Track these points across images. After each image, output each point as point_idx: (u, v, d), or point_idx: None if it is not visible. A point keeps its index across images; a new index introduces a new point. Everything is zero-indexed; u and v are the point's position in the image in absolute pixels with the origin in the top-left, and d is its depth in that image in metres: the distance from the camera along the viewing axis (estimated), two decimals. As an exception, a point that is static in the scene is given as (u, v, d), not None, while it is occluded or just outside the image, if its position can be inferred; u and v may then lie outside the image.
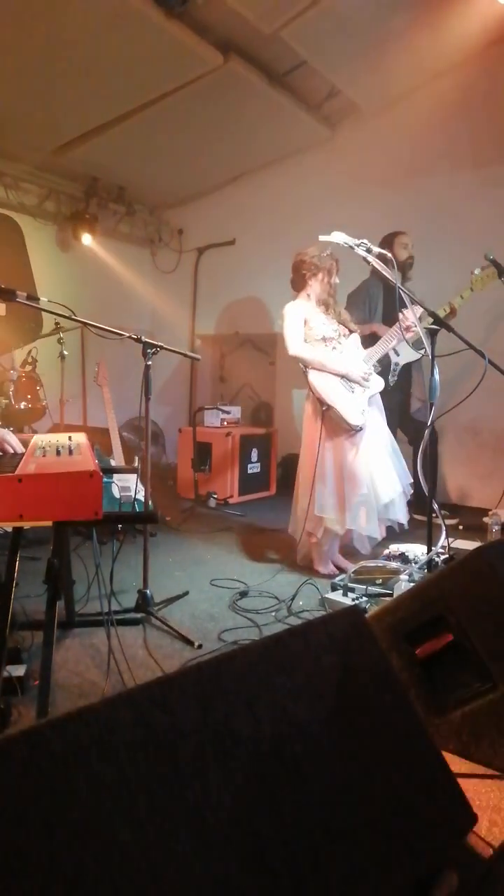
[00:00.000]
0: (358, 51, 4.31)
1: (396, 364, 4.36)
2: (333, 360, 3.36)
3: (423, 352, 4.18)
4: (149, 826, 0.79)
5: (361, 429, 3.28)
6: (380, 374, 4.36)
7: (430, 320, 2.66)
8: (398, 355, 4.35)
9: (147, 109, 4.77)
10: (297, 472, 3.49)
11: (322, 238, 2.69)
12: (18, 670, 2.02)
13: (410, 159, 5.05)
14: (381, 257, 2.65)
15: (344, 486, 3.23)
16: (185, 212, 6.80)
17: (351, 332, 3.52)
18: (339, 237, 2.66)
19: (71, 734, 0.81)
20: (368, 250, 2.63)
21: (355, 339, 3.52)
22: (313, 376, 3.33)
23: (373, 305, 4.34)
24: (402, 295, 2.66)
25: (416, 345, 4.18)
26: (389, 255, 2.64)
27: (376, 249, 2.64)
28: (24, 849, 0.72)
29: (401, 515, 3.37)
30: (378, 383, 3.50)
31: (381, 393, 4.41)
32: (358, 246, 2.63)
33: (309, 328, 3.40)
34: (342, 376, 3.35)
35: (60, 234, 6.08)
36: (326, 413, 3.26)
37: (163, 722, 0.87)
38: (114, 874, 0.75)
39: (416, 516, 4.60)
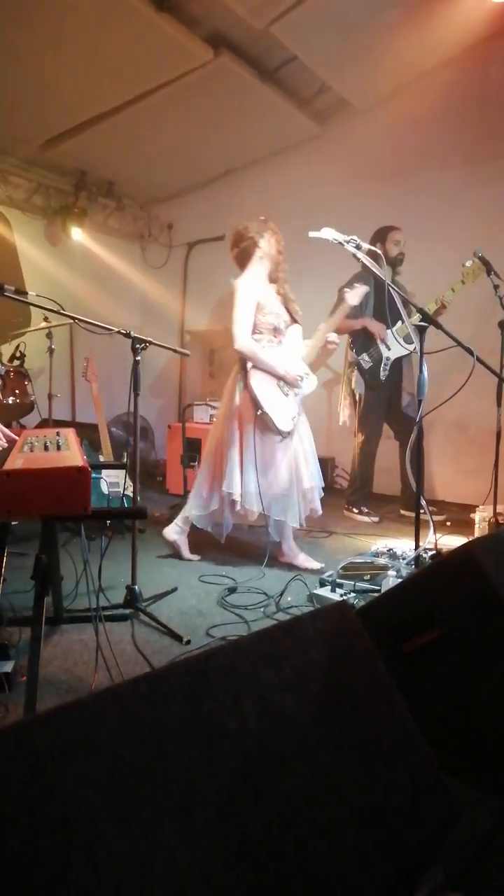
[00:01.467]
0: (348, 47, 4.30)
1: (387, 358, 4.40)
2: (276, 360, 3.22)
3: (412, 347, 4.20)
4: (135, 821, 0.79)
5: (289, 434, 3.23)
6: (371, 368, 4.40)
7: (419, 317, 2.67)
8: (389, 350, 4.38)
9: (137, 104, 4.74)
10: (211, 453, 3.39)
11: (312, 234, 2.69)
12: (6, 666, 2.01)
13: (400, 156, 5.06)
14: (370, 254, 2.65)
15: (262, 481, 3.18)
16: (174, 207, 6.77)
17: (294, 321, 3.35)
18: (328, 233, 2.66)
19: (57, 729, 0.81)
20: (358, 247, 2.63)
21: (297, 330, 3.37)
22: (254, 376, 3.19)
23: (364, 300, 4.35)
24: (392, 292, 2.67)
25: (406, 339, 4.22)
26: (379, 251, 2.65)
27: (366, 246, 2.64)
28: (8, 845, 0.72)
29: (317, 505, 3.39)
30: (311, 384, 3.36)
31: (373, 386, 4.45)
32: (347, 242, 2.63)
33: (262, 315, 3.21)
34: (280, 378, 3.24)
35: (49, 228, 6.03)
36: (259, 415, 3.16)
37: (149, 717, 0.87)
38: (100, 869, 0.75)
39: (403, 512, 4.64)
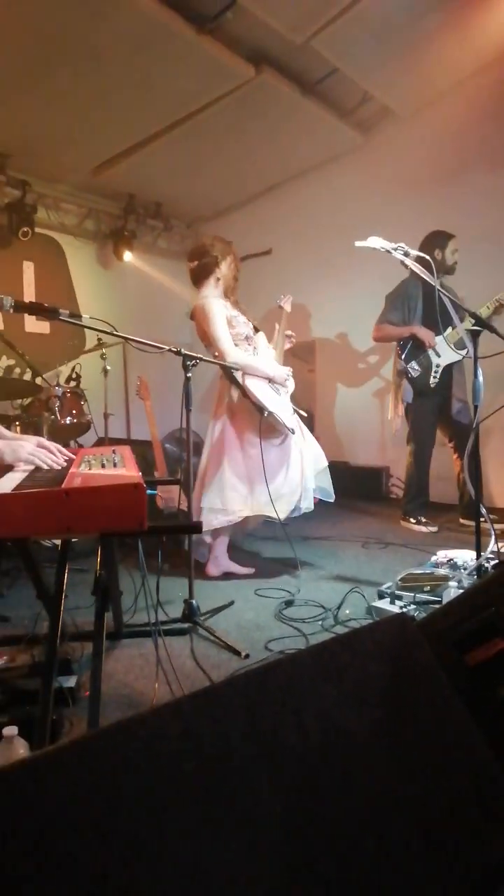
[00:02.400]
0: (389, 55, 4.29)
1: (437, 365, 4.31)
2: (260, 363, 3.33)
3: (464, 352, 4.12)
4: (200, 836, 0.80)
5: (293, 432, 3.31)
6: (420, 375, 4.32)
7: (472, 321, 2.62)
8: (439, 356, 4.30)
9: (181, 125, 4.85)
10: (207, 468, 3.45)
11: (358, 244, 2.68)
12: (69, 681, 2.05)
13: (446, 160, 5.00)
14: (419, 260, 2.62)
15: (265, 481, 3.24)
16: (221, 224, 6.86)
17: (256, 328, 3.46)
18: (375, 242, 2.64)
19: (121, 744, 0.82)
20: (406, 254, 2.60)
21: (262, 336, 3.49)
22: (251, 382, 3.26)
23: (412, 306, 4.30)
24: (443, 297, 2.63)
25: (458, 345, 4.13)
26: (427, 257, 2.61)
27: (414, 252, 2.61)
28: (76, 858, 0.73)
29: (308, 502, 3.44)
30: (291, 383, 3.49)
31: (423, 394, 4.38)
32: (395, 250, 2.61)
33: (231, 327, 3.29)
34: (269, 379, 3.34)
35: (100, 251, 6.21)
36: (265, 419, 3.21)
37: (211, 731, 0.87)
38: (166, 884, 0.75)
39: (463, 521, 4.53)
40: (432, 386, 4.31)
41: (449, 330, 4.19)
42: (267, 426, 3.25)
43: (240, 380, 3.28)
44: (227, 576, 3.40)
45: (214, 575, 3.38)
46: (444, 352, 4.26)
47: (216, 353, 3.25)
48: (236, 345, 3.30)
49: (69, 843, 0.73)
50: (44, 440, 1.95)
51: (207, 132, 4.95)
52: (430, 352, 4.28)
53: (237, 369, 3.24)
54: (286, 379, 3.43)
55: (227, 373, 3.32)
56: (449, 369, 4.35)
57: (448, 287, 4.38)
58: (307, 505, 3.41)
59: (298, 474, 3.38)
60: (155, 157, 5.24)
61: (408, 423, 4.50)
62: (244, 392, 3.27)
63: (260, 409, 3.22)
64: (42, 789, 0.75)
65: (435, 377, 4.30)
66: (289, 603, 2.98)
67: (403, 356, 4.38)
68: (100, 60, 4.02)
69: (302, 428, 3.52)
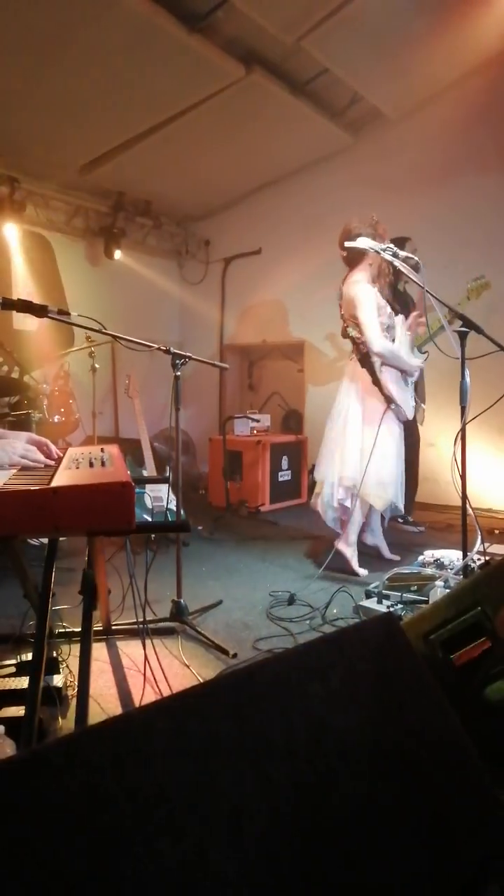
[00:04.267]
0: (379, 57, 4.31)
1: None
2: (402, 355, 3.35)
3: (426, 355, 4.26)
4: (187, 834, 0.80)
5: (414, 419, 3.46)
6: None
7: (460, 322, 2.63)
8: None
9: (171, 124, 4.84)
10: (340, 447, 3.45)
11: (348, 244, 2.70)
12: (57, 680, 2.05)
13: (435, 163, 5.03)
14: (406, 261, 2.64)
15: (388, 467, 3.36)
16: (211, 223, 6.86)
17: (396, 311, 3.49)
18: (364, 242, 2.66)
19: (108, 742, 0.82)
20: (395, 255, 2.62)
21: (401, 320, 3.45)
22: (386, 374, 3.35)
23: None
24: (430, 296, 2.64)
25: (421, 348, 4.27)
26: (416, 258, 2.63)
27: (403, 253, 2.63)
28: (63, 857, 0.73)
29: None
30: (418, 371, 3.53)
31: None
32: (384, 251, 2.62)
33: (380, 317, 3.34)
34: (405, 371, 3.40)
35: (90, 249, 6.18)
36: (390, 408, 3.34)
37: (199, 730, 0.88)
38: (152, 883, 0.75)
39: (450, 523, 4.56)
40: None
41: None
42: (388, 416, 3.36)
43: (377, 368, 3.36)
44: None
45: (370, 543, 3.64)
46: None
47: (361, 338, 3.34)
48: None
49: (57, 842, 0.73)
50: (34, 436, 1.94)
51: (197, 131, 4.95)
52: None
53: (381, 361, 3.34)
54: (416, 371, 3.46)
55: (367, 359, 3.38)
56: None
57: (409, 294, 4.46)
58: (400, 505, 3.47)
59: (398, 470, 3.44)
60: (145, 155, 5.23)
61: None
62: (375, 380, 3.36)
63: (388, 399, 3.33)
64: (29, 788, 0.75)
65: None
66: (278, 602, 2.98)
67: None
68: (90, 58, 4.01)
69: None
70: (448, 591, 2.49)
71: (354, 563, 3.42)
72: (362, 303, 3.30)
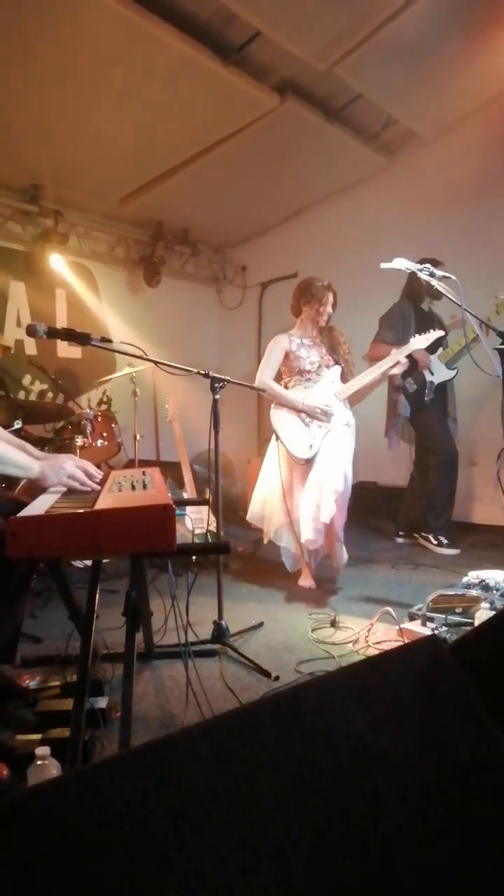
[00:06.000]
0: (413, 79, 4.34)
1: (431, 382, 4.42)
2: (295, 396, 3.59)
3: (455, 371, 4.41)
4: (231, 858, 0.79)
5: (307, 461, 3.47)
6: (415, 392, 4.40)
7: (500, 340, 2.61)
8: (433, 374, 4.41)
9: (208, 153, 4.95)
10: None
11: (384, 266, 2.70)
12: (101, 702, 2.06)
13: (470, 183, 5.01)
14: (443, 280, 2.63)
15: (288, 505, 3.56)
16: (247, 249, 6.96)
17: (335, 363, 3.68)
18: (401, 263, 2.66)
19: (151, 764, 0.83)
20: (432, 274, 2.61)
21: (335, 371, 3.67)
22: (273, 410, 3.68)
23: (406, 326, 4.38)
24: (469, 315, 2.62)
25: (450, 364, 4.31)
26: (453, 277, 2.62)
27: (439, 273, 2.62)
28: (106, 879, 0.73)
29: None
30: (342, 416, 3.60)
31: (421, 409, 4.49)
32: (421, 271, 2.62)
33: (288, 360, 3.67)
34: (300, 411, 3.57)
35: (130, 278, 6.34)
36: (279, 443, 3.60)
37: (241, 753, 0.87)
38: (197, 907, 0.75)
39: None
40: (427, 402, 4.41)
41: (440, 350, 4.39)
42: (284, 451, 3.58)
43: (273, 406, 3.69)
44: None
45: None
46: (437, 370, 4.41)
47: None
48: (289, 376, 3.71)
49: (99, 864, 0.74)
50: (75, 458, 1.98)
51: (234, 159, 5.05)
52: (425, 371, 4.40)
53: (262, 391, 3.69)
54: (323, 413, 3.54)
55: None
56: (443, 386, 4.44)
57: (436, 313, 4.47)
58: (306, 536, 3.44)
59: (307, 503, 3.45)
60: (183, 185, 5.35)
61: (414, 440, 4.62)
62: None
63: (276, 435, 3.63)
64: (73, 809, 0.76)
65: (430, 394, 4.41)
66: (320, 624, 2.96)
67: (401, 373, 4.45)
68: (130, 93, 4.15)
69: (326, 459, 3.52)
70: (494, 612, 2.43)
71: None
72: (267, 349, 3.74)
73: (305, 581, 3.63)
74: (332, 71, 4.16)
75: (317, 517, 3.34)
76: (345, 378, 3.66)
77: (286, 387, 3.71)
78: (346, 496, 3.43)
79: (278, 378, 3.74)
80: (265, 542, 3.77)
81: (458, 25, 3.91)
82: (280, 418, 3.65)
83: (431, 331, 3.71)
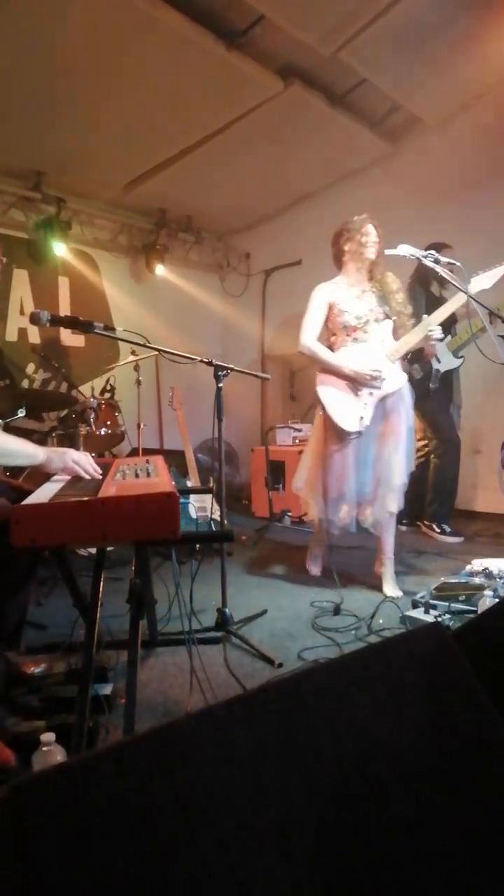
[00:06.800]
0: (418, 64, 4.28)
1: (437, 370, 4.40)
2: (343, 360, 3.17)
3: (462, 359, 4.37)
4: (235, 844, 0.80)
5: (358, 435, 3.12)
6: (422, 378, 4.35)
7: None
8: (439, 362, 4.38)
9: (212, 140, 4.91)
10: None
11: (388, 252, 2.68)
12: (105, 689, 2.08)
13: (475, 167, 4.96)
14: (449, 266, 2.61)
15: (328, 481, 3.21)
16: (251, 236, 6.91)
17: (385, 317, 3.24)
18: (405, 250, 2.64)
19: (156, 750, 0.83)
20: (436, 261, 2.60)
21: (386, 327, 3.24)
22: (319, 377, 3.25)
23: (417, 311, 4.35)
24: (472, 300, 2.61)
25: (457, 353, 4.28)
26: (458, 264, 2.60)
27: (444, 259, 2.61)
28: (110, 864, 0.74)
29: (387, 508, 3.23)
30: (395, 381, 3.19)
31: (426, 396, 4.44)
32: (425, 257, 2.60)
33: (333, 314, 3.25)
34: (347, 378, 3.17)
35: (133, 265, 6.31)
36: (325, 416, 3.20)
37: (245, 740, 0.88)
38: (201, 891, 0.75)
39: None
40: (432, 389, 4.39)
41: (448, 338, 4.35)
42: (330, 424, 3.18)
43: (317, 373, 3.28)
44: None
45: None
46: (444, 358, 4.38)
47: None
48: (334, 334, 3.29)
49: (104, 849, 0.74)
50: (74, 452, 1.98)
51: (237, 146, 5.00)
52: (431, 358, 4.38)
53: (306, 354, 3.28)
54: (373, 378, 3.13)
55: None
56: (448, 374, 4.42)
57: (446, 299, 4.43)
58: (361, 521, 3.26)
59: (355, 484, 3.19)
60: (186, 172, 5.31)
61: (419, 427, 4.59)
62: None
63: (321, 406, 3.22)
64: (78, 794, 0.76)
65: (435, 383, 4.39)
66: (323, 612, 2.96)
67: (407, 359, 4.42)
68: (133, 79, 4.11)
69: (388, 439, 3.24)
70: (497, 600, 2.43)
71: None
72: (309, 301, 3.31)
73: (314, 566, 3.61)
74: (336, 55, 4.11)
75: (381, 505, 3.17)
76: (396, 335, 3.22)
77: (333, 348, 3.27)
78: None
79: (325, 339, 3.30)
80: (307, 515, 3.58)
81: (463, 8, 3.84)
82: (326, 387, 3.21)
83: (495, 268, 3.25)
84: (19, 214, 5.33)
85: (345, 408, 3.16)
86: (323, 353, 3.23)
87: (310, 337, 3.25)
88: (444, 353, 4.39)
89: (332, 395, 3.20)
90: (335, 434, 3.18)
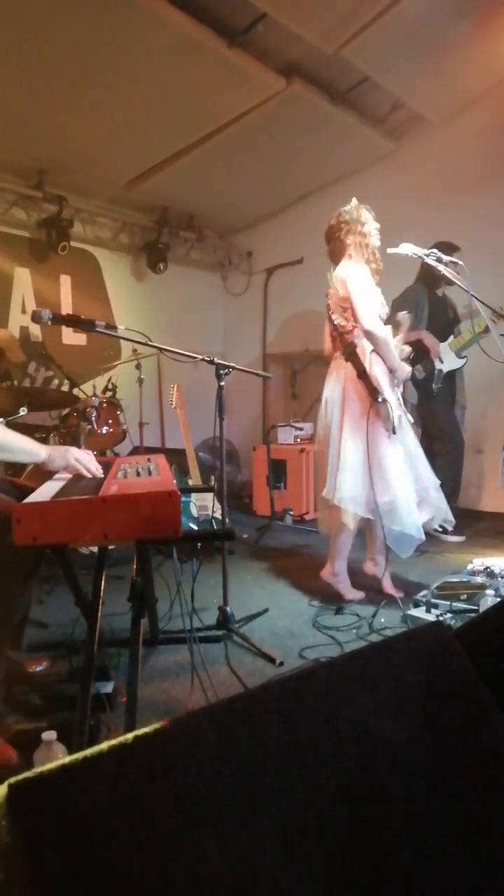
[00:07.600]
0: (421, 62, 4.28)
1: (440, 370, 4.41)
2: (395, 347, 2.97)
3: (465, 359, 4.37)
4: (236, 841, 0.80)
5: (395, 432, 2.93)
6: (425, 378, 4.38)
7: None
8: (441, 362, 4.40)
9: (213, 138, 4.90)
10: (327, 457, 3.08)
11: (390, 251, 2.68)
12: (107, 687, 2.08)
13: (479, 165, 4.95)
14: (451, 265, 2.61)
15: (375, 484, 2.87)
16: (253, 234, 6.90)
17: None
18: (408, 248, 2.64)
19: (157, 748, 0.83)
20: (439, 260, 2.59)
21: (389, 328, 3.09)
22: (376, 361, 2.94)
23: (419, 313, 4.34)
24: (476, 300, 2.60)
25: (460, 352, 4.30)
26: (461, 263, 2.59)
27: (447, 258, 2.60)
28: (111, 862, 0.74)
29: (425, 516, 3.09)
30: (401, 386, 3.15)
31: (429, 397, 4.46)
32: (428, 256, 2.60)
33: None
34: (392, 371, 2.99)
35: (135, 264, 6.31)
36: (380, 405, 2.88)
37: (246, 737, 0.88)
38: (202, 889, 0.75)
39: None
40: (435, 390, 4.40)
41: (451, 338, 4.38)
42: (375, 414, 2.92)
43: (366, 359, 2.95)
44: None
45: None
46: (447, 358, 4.39)
47: (347, 326, 3.00)
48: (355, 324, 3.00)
49: (105, 847, 0.74)
50: (76, 450, 1.99)
51: (239, 144, 5.00)
52: (435, 358, 4.40)
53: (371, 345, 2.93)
54: (408, 374, 3.14)
55: (353, 351, 2.99)
56: (451, 374, 4.43)
57: (451, 299, 4.44)
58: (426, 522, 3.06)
59: (410, 483, 3.00)
60: (188, 170, 5.31)
61: (418, 426, 4.58)
62: (360, 372, 2.94)
63: (377, 392, 2.88)
64: (80, 792, 0.76)
65: (438, 383, 4.40)
66: (324, 611, 2.96)
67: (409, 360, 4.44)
68: (134, 76, 4.10)
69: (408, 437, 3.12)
70: (499, 599, 2.43)
71: (344, 589, 3.15)
72: (353, 281, 2.90)
73: (353, 589, 3.20)
74: (338, 53, 4.10)
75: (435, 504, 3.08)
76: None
77: (351, 336, 3.03)
78: None
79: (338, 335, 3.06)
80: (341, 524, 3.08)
81: (465, 7, 3.84)
82: (382, 373, 2.95)
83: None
84: (21, 213, 5.33)
85: (392, 400, 2.96)
86: (391, 339, 2.97)
87: (375, 316, 2.90)
88: (448, 354, 4.39)
89: (386, 384, 2.95)
90: (384, 429, 2.93)
